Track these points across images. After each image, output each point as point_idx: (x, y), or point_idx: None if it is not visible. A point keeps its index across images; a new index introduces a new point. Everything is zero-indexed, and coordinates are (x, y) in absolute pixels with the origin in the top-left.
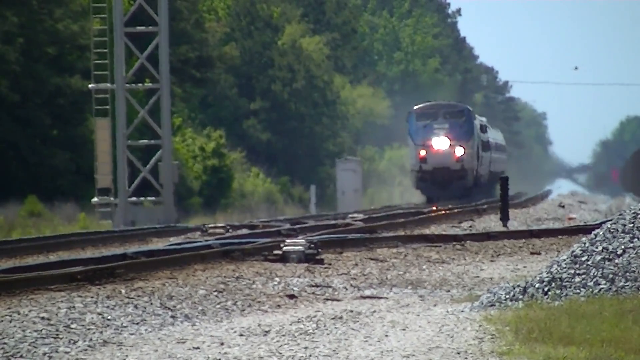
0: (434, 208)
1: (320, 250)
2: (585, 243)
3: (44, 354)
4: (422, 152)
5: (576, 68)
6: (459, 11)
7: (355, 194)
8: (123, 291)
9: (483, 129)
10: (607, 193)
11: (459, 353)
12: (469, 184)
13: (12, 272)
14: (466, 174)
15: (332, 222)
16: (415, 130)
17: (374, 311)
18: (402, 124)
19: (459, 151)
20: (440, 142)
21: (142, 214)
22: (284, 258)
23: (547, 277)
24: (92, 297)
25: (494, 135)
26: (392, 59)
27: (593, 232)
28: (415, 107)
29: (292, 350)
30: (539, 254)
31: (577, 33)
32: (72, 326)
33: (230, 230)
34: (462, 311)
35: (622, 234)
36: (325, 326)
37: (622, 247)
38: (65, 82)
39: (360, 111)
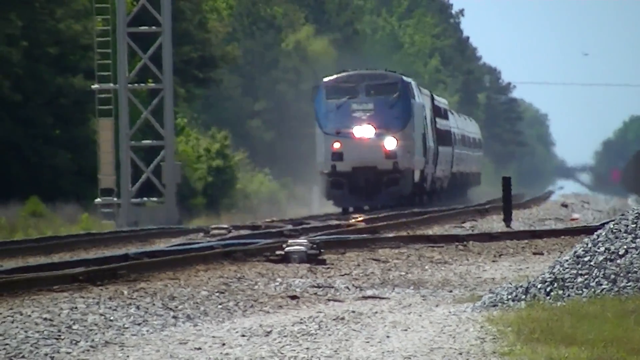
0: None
1: (322, 250)
2: (587, 243)
3: (46, 354)
4: (336, 145)
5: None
6: (462, 12)
7: None
8: (125, 292)
9: (440, 112)
10: (609, 193)
11: (460, 354)
12: (406, 190)
13: (14, 272)
14: (401, 175)
15: (335, 222)
16: (325, 112)
17: (376, 312)
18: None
19: (390, 143)
20: (362, 130)
21: (144, 214)
22: (286, 259)
23: (550, 277)
24: (94, 298)
25: (462, 125)
26: (391, 60)
27: (595, 232)
28: (325, 79)
29: (294, 350)
30: (542, 254)
31: (579, 33)
32: (74, 327)
33: (232, 231)
34: (464, 311)
35: (624, 235)
36: (327, 327)
37: (625, 247)
38: (68, 82)
39: None
